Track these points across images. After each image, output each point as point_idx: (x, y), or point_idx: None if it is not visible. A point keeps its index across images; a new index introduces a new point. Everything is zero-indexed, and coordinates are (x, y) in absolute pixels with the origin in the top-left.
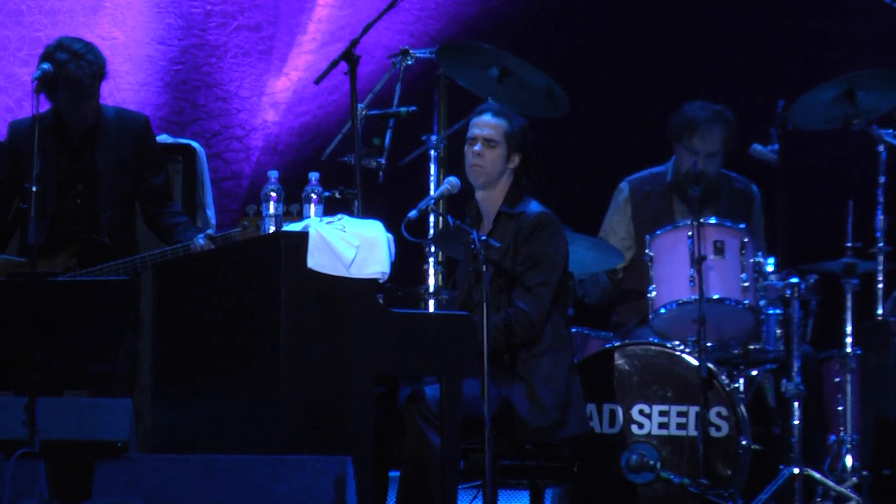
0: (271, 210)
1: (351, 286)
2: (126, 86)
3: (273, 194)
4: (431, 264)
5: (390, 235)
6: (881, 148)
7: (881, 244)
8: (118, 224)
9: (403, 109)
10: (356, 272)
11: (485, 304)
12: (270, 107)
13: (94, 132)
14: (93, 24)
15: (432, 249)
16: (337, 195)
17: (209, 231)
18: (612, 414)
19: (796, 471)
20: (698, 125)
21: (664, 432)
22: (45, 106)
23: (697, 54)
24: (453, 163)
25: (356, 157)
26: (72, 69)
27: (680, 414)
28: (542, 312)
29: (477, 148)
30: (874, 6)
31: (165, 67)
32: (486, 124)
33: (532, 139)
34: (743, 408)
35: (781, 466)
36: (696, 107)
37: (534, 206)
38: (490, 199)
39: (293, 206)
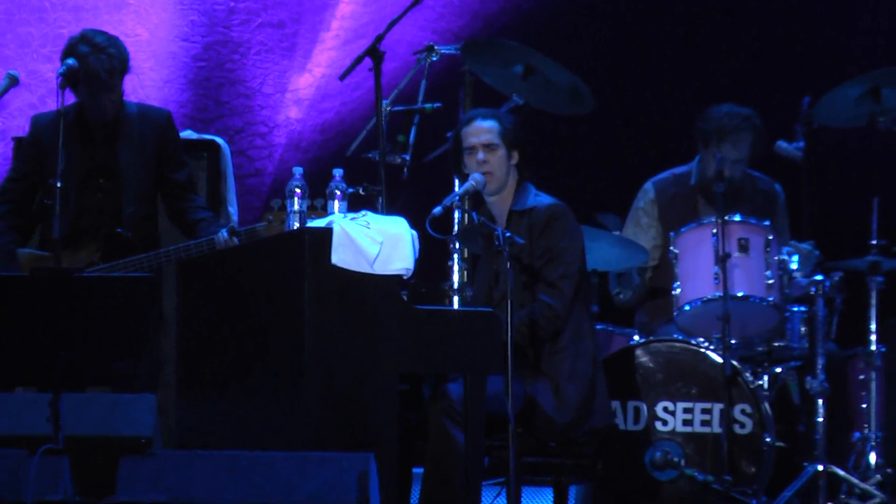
0: (296, 206)
1: (375, 282)
2: (149, 83)
3: (297, 190)
4: (456, 261)
5: (414, 232)
6: None
7: None
8: (141, 219)
9: (428, 106)
10: (380, 269)
11: (509, 300)
12: (294, 103)
13: (117, 127)
14: (116, 21)
15: (457, 246)
16: (361, 191)
17: (232, 224)
18: (637, 411)
19: (820, 468)
20: (728, 133)
21: (688, 429)
22: (70, 100)
23: (723, 51)
24: None
25: (381, 153)
26: (91, 62)
27: (704, 411)
28: (566, 305)
29: (480, 156)
30: None
31: (189, 64)
32: (480, 130)
33: (523, 131)
34: (767, 405)
35: (805, 464)
36: (723, 113)
37: (543, 199)
38: (500, 201)
39: (317, 200)
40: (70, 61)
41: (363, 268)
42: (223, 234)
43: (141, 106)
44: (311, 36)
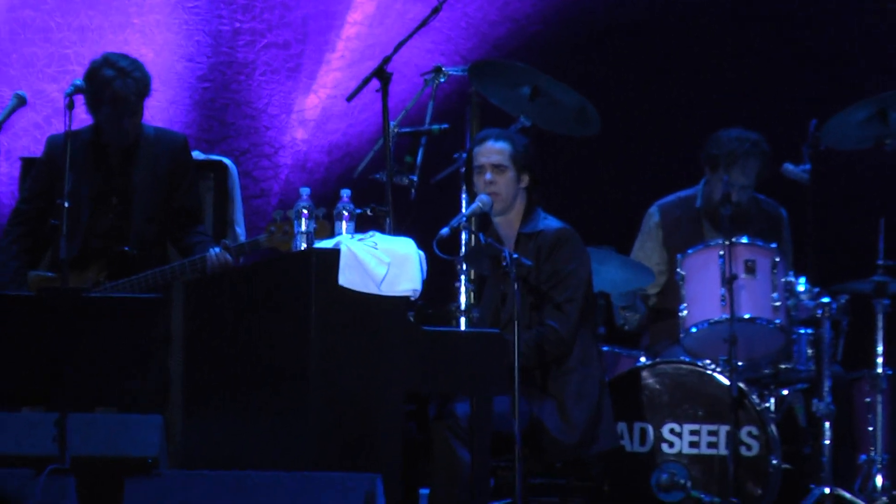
0: (303, 227)
1: (382, 303)
2: (155, 103)
3: (305, 211)
4: (463, 282)
5: (422, 253)
6: None
7: None
8: (149, 240)
9: (435, 127)
10: (387, 289)
11: (516, 321)
12: (299, 124)
13: (134, 150)
14: (121, 41)
15: (464, 267)
16: (368, 212)
17: (224, 241)
18: (643, 433)
19: (827, 490)
20: (738, 158)
21: (694, 451)
22: (86, 121)
23: (730, 74)
24: None
25: (388, 174)
26: (118, 86)
27: (710, 433)
28: (572, 328)
29: (488, 177)
30: None
31: (194, 85)
32: (490, 151)
33: (535, 155)
34: (773, 427)
35: (812, 486)
36: (732, 137)
37: (552, 223)
38: (507, 223)
39: (320, 209)
40: (78, 81)
41: (370, 289)
42: (215, 250)
43: (158, 129)
44: (316, 57)
